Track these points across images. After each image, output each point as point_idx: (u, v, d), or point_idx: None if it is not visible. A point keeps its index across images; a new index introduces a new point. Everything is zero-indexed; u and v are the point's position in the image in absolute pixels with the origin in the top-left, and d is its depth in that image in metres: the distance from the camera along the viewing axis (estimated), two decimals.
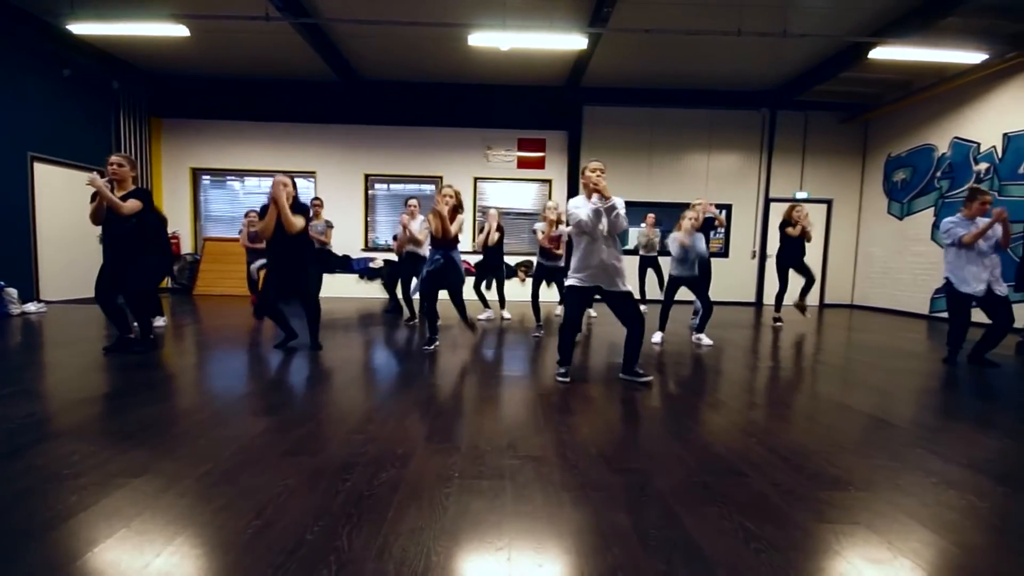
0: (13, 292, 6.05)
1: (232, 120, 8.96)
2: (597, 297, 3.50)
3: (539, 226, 5.58)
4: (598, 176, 3.20)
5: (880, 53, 6.13)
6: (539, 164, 9.13)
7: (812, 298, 6.67)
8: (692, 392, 3.37)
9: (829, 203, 9.33)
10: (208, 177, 9.25)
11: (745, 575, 1.39)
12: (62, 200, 7.30)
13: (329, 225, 6.46)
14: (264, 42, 7.15)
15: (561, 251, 5.54)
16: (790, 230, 6.10)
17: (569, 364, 3.45)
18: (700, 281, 4.99)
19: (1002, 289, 4.04)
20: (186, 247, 9.10)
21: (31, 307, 6.12)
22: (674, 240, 4.82)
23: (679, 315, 6.17)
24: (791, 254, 6.22)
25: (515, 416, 2.75)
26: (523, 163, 9.12)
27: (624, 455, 2.22)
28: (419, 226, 5.61)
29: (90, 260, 7.84)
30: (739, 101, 8.90)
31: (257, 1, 5.62)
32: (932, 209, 7.72)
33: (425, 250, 5.40)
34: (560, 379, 3.38)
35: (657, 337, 4.97)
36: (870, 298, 9.04)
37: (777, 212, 9.22)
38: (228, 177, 9.23)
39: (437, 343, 4.39)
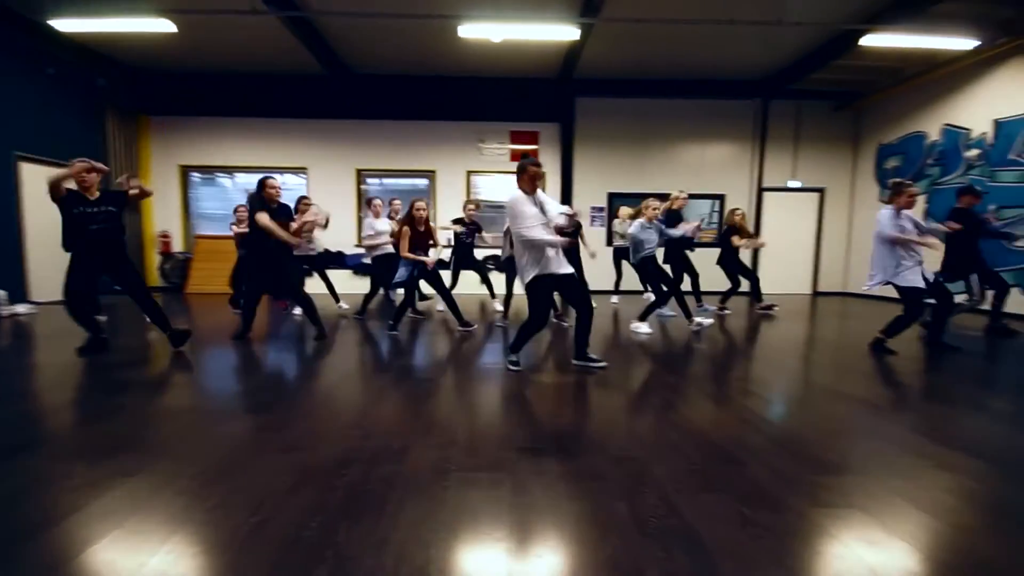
0: (3, 294, 5.98)
1: (221, 116, 8.84)
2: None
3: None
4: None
5: (872, 40, 6.12)
6: (533, 157, 9.09)
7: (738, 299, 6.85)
8: (686, 380, 3.38)
9: (822, 192, 9.36)
10: (198, 174, 9.15)
11: (743, 560, 1.39)
12: (50, 199, 7.19)
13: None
14: (251, 36, 7.04)
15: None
16: (736, 239, 6.27)
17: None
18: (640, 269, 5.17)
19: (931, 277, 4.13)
20: (177, 245, 9.02)
21: (21, 308, 6.05)
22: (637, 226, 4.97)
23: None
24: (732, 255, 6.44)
25: (512, 408, 2.75)
26: (516, 156, 9.06)
27: (621, 444, 2.23)
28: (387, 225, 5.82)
29: None
30: (732, 91, 8.87)
31: None
32: (924, 196, 7.76)
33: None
34: (512, 367, 3.47)
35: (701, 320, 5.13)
36: (863, 285, 9.07)
37: (770, 201, 9.28)
38: (218, 174, 9.13)
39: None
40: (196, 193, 9.19)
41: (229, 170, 9.08)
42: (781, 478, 1.89)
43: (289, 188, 8.95)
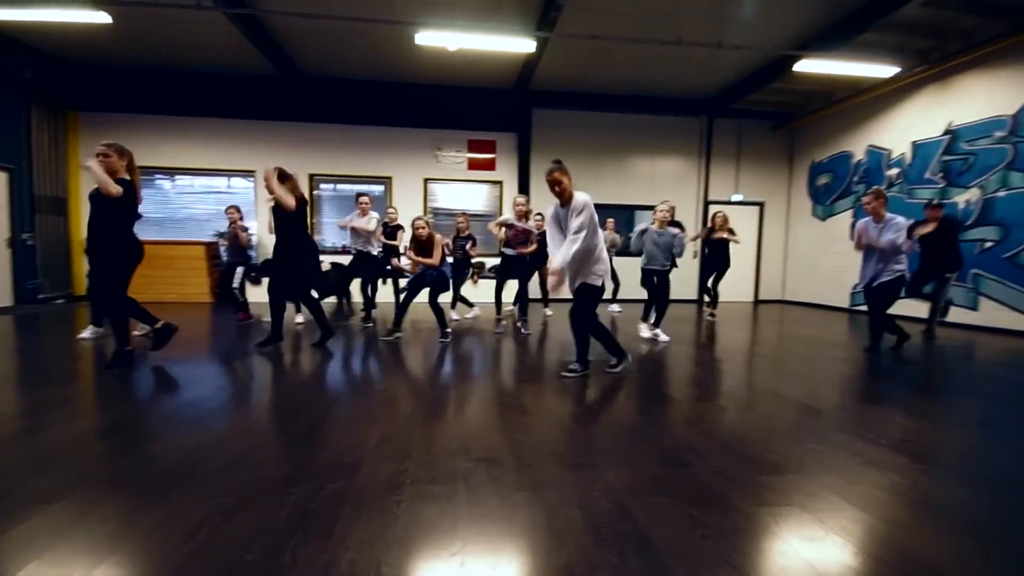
0: None
1: (161, 115, 8.35)
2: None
3: (506, 217, 5.85)
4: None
5: (804, 66, 6.58)
6: (490, 165, 9.13)
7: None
8: (639, 387, 3.46)
9: (761, 205, 9.91)
10: None
11: (692, 561, 1.43)
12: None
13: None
14: (196, 32, 6.73)
15: (531, 246, 5.79)
16: (720, 233, 6.89)
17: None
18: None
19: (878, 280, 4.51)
20: None
21: None
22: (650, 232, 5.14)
23: (632, 312, 6.32)
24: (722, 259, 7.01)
25: (468, 418, 2.72)
26: (473, 164, 9.08)
27: (577, 451, 2.25)
28: (374, 224, 5.88)
29: (2, 263, 7.10)
30: (680, 108, 9.28)
31: None
32: (851, 211, 8.37)
33: (375, 249, 5.94)
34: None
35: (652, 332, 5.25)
36: (798, 293, 9.67)
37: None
38: (157, 176, 8.61)
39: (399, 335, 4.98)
40: None
41: (169, 171, 8.59)
42: (727, 479, 1.97)
43: (235, 192, 8.58)
